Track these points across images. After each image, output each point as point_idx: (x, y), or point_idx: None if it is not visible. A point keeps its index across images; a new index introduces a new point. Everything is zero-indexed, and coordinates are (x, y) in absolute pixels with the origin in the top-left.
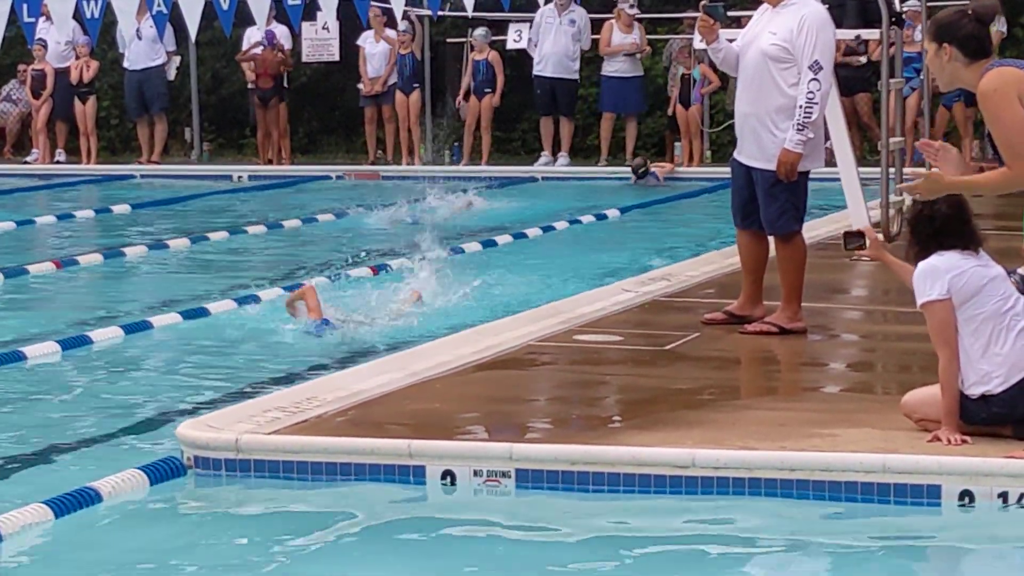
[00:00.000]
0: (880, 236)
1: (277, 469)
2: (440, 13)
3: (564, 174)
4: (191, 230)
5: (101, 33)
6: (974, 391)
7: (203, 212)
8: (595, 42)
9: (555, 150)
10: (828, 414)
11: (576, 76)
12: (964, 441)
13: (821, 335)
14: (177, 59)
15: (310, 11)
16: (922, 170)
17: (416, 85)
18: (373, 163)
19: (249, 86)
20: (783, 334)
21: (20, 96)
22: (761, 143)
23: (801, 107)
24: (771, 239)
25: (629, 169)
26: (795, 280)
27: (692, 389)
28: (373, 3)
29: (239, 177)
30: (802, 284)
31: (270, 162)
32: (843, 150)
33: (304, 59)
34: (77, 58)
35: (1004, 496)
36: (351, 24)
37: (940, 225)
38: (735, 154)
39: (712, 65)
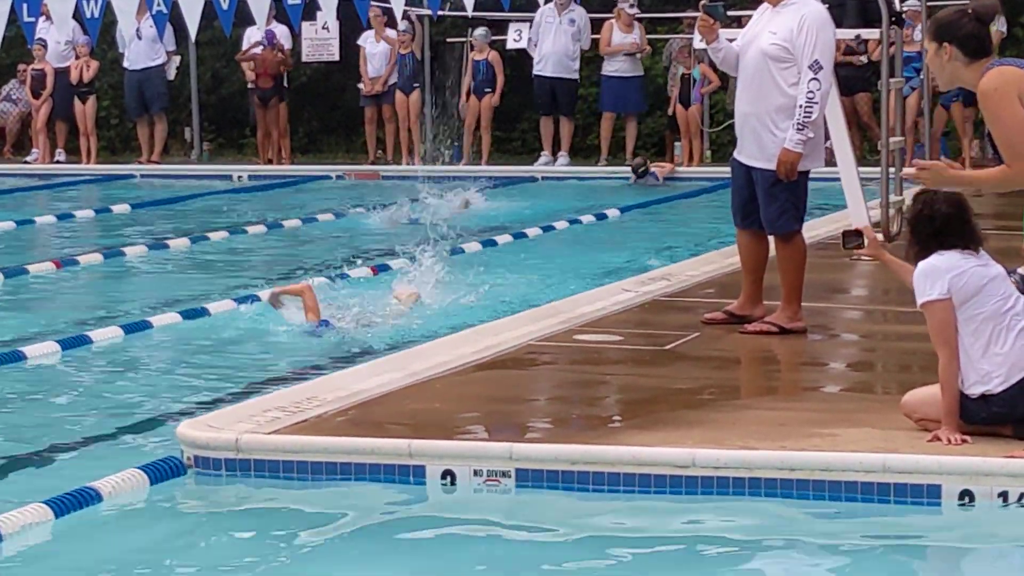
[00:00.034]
0: (880, 236)
1: (277, 469)
2: (440, 13)
3: (564, 174)
4: (191, 230)
5: (101, 33)
6: (974, 391)
7: (203, 212)
8: (595, 42)
9: (555, 150)
10: (828, 414)
11: (576, 76)
12: (964, 441)
13: (821, 335)
14: (177, 59)
15: (310, 11)
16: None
17: (416, 85)
18: (373, 163)
19: (249, 86)
20: (783, 334)
21: (20, 96)
22: (761, 143)
23: (801, 107)
24: (771, 239)
25: (629, 169)
26: (795, 280)
27: (692, 389)
28: (373, 3)
29: (239, 177)
30: (802, 284)
31: (270, 162)
32: (843, 150)
33: (304, 59)
34: (77, 58)
35: (1004, 496)
36: (351, 24)
37: (940, 225)
38: (735, 154)
39: (712, 65)
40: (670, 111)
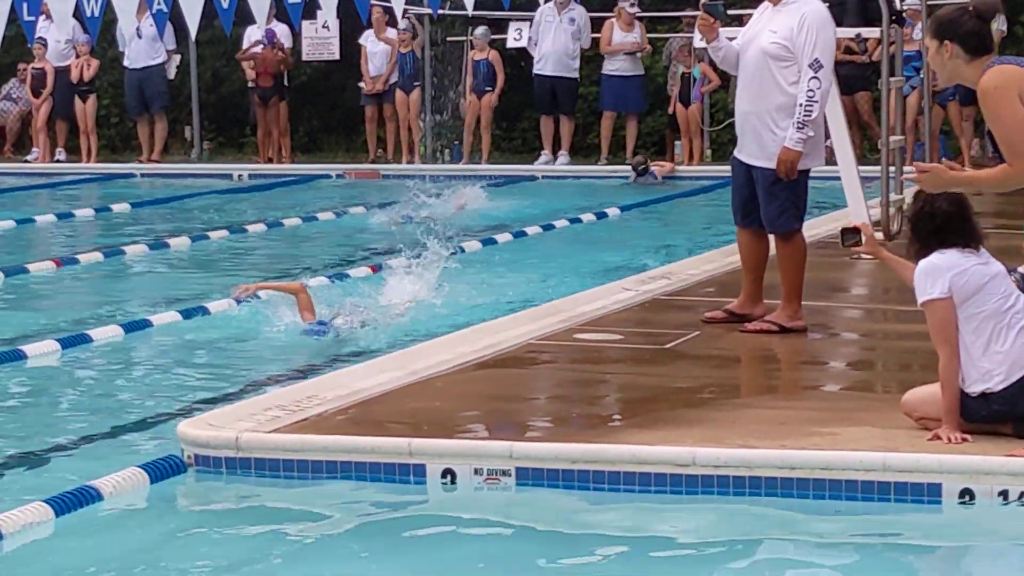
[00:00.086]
0: (879, 235)
1: (277, 467)
2: (440, 12)
3: (564, 173)
4: (191, 229)
5: (101, 31)
6: (975, 389)
7: (203, 211)
8: (595, 41)
9: (555, 149)
10: (828, 412)
11: (576, 75)
12: (964, 439)
13: (821, 333)
14: (177, 58)
15: (310, 10)
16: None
17: (417, 84)
18: (373, 162)
19: (249, 85)
20: (783, 333)
21: (20, 95)
22: (761, 141)
23: (801, 105)
24: (771, 237)
25: (629, 168)
26: (795, 279)
27: (692, 388)
28: (374, 2)
29: (239, 176)
30: (802, 283)
31: (270, 161)
32: (843, 148)
33: (304, 58)
34: (77, 57)
35: (1004, 494)
36: (351, 23)
37: (941, 223)
38: (735, 152)
39: (712, 64)
40: (670, 110)
